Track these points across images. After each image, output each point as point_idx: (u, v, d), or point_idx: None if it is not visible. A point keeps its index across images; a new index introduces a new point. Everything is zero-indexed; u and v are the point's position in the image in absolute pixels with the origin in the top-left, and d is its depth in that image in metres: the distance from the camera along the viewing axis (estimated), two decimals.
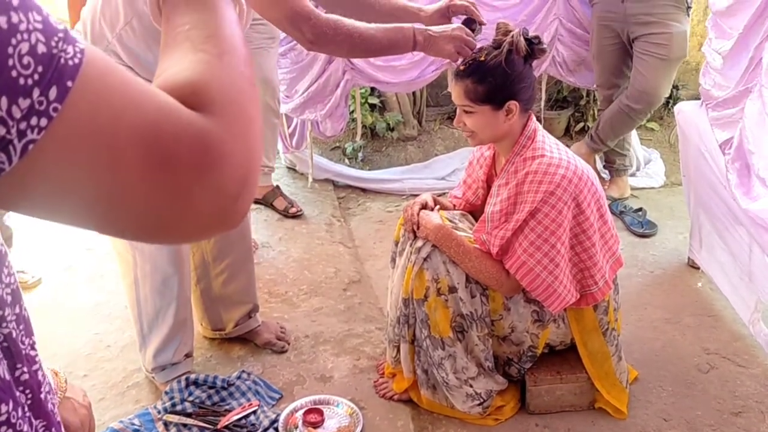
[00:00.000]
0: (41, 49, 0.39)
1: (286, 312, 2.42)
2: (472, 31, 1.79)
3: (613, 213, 3.23)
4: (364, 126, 3.87)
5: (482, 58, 1.75)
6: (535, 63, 3.34)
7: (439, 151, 3.92)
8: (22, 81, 0.38)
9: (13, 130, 0.38)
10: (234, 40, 0.52)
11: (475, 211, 2.09)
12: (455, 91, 1.81)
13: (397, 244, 2.03)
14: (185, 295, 1.99)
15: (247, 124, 0.48)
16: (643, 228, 3.06)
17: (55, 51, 0.40)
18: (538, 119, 3.95)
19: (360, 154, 3.87)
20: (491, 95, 1.77)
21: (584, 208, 1.77)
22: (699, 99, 2.44)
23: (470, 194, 2.12)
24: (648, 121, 4.00)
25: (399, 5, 1.90)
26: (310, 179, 3.50)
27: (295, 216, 3.16)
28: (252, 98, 0.50)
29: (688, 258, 2.74)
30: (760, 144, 1.92)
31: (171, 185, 0.43)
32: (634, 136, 3.61)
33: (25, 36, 0.39)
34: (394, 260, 2.04)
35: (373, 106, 3.91)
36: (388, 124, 3.86)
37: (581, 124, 4.07)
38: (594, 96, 3.86)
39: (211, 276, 2.17)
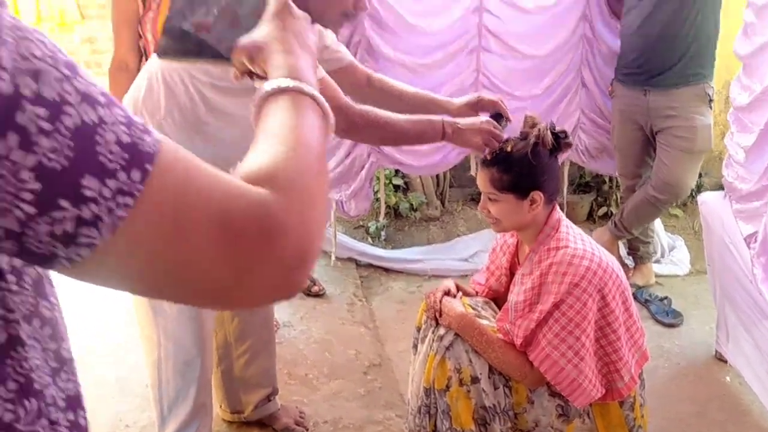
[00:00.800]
0: (125, 138, 0.47)
1: (305, 395, 2.40)
2: (499, 125, 1.84)
3: (638, 301, 3.21)
4: (387, 206, 3.92)
5: (509, 149, 1.80)
6: None
7: (462, 231, 3.95)
8: (110, 165, 0.45)
9: (104, 208, 0.45)
10: (311, 139, 0.59)
11: (498, 299, 2.09)
12: (480, 177, 1.85)
13: (419, 330, 2.02)
14: (207, 377, 1.98)
15: (309, 207, 0.54)
16: (669, 317, 3.01)
17: (136, 140, 0.47)
18: (560, 205, 4.01)
19: (383, 234, 3.91)
20: (516, 185, 1.80)
21: (609, 300, 1.76)
22: (722, 187, 2.46)
23: (493, 281, 2.12)
24: (672, 207, 4.01)
25: (428, 98, 1.96)
26: (333, 258, 3.53)
27: (317, 295, 3.17)
28: (318, 188, 0.57)
29: (716, 350, 2.68)
30: None
31: (237, 256, 0.49)
32: (657, 222, 3.61)
33: (112, 128, 0.46)
34: (415, 346, 2.03)
35: (397, 187, 3.98)
36: (411, 205, 3.91)
37: (604, 209, 4.09)
38: (617, 181, 3.89)
39: (233, 357, 2.16)
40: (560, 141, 1.83)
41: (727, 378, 2.56)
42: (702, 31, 2.76)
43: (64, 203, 0.43)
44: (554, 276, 1.76)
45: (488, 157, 1.83)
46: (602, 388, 1.80)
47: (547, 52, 3.17)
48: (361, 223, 4.01)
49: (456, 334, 1.87)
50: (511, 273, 2.03)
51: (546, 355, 1.76)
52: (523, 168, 1.79)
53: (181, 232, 0.47)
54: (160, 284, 0.50)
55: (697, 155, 2.93)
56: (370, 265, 3.63)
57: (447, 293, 2.00)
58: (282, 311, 3.00)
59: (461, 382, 1.84)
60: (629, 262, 3.43)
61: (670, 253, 3.70)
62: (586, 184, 4.18)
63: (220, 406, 2.21)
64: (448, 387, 1.85)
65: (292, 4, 0.74)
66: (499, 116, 1.89)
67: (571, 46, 3.20)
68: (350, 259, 3.64)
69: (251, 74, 0.77)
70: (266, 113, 0.62)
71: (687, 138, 2.86)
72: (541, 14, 3.12)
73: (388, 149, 3.25)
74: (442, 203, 4.13)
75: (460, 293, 2.03)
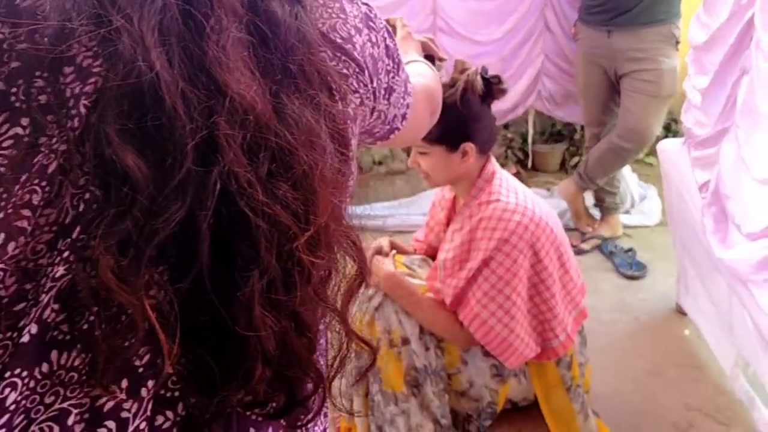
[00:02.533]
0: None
1: None
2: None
3: (602, 253, 3.11)
4: None
5: None
6: (520, 97, 3.27)
7: (427, 185, 3.82)
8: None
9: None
10: (432, 75, 1.05)
11: (436, 255, 1.98)
12: None
13: None
14: None
15: (437, 94, 1.04)
16: (632, 269, 2.92)
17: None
18: (526, 154, 3.87)
19: None
20: (445, 136, 1.67)
21: (542, 256, 1.65)
22: None
23: (432, 237, 2.02)
24: (646, 155, 3.87)
25: None
26: None
27: None
28: (437, 89, 1.05)
29: (676, 303, 2.59)
30: (736, 188, 1.79)
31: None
32: (627, 171, 3.48)
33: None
34: None
35: None
36: (374, 158, 3.78)
37: (576, 158, 3.95)
38: None
39: None
40: (492, 87, 1.69)
41: (686, 332, 2.47)
42: None
43: None
44: (483, 232, 1.65)
45: None
46: (537, 347, 1.71)
47: None
48: None
49: (385, 295, 1.77)
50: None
51: (475, 315, 1.66)
52: (452, 118, 1.65)
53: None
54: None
55: (663, 100, 2.78)
56: None
57: (379, 252, 1.90)
58: None
59: (391, 344, 1.75)
60: (596, 213, 3.31)
61: (641, 203, 3.58)
62: (558, 133, 4.04)
63: None
64: (377, 349, 1.76)
65: (410, 31, 1.23)
66: (430, 58, 1.75)
67: None
68: None
69: None
70: (413, 67, 1.00)
71: (652, 82, 2.71)
72: None
73: None
74: (407, 155, 3.99)
75: (394, 251, 1.92)
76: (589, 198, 3.32)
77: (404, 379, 1.75)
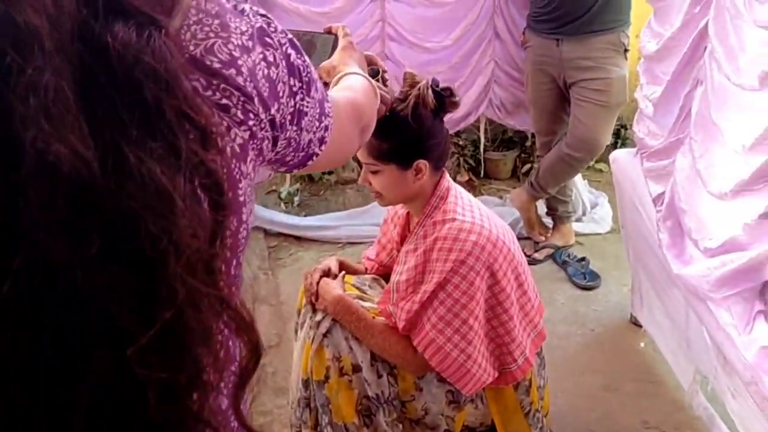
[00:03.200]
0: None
1: None
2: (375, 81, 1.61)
3: (556, 263, 3.08)
4: None
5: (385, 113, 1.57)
6: (471, 105, 3.21)
7: (380, 204, 3.73)
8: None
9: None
10: (368, 91, 1.00)
11: (390, 274, 1.89)
12: None
13: (299, 314, 1.82)
14: None
15: (368, 110, 0.98)
16: (585, 279, 2.89)
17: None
18: (478, 162, 3.83)
19: (296, 199, 3.67)
20: (397, 153, 1.58)
21: (500, 277, 1.58)
22: None
23: (384, 255, 1.93)
24: (596, 161, 3.87)
25: None
26: None
27: None
28: (369, 107, 0.99)
29: (631, 314, 2.57)
30: (691, 202, 1.76)
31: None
32: (579, 179, 3.46)
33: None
34: (296, 332, 1.83)
35: None
36: None
37: (528, 165, 3.92)
38: None
39: None
40: (444, 100, 1.61)
41: (642, 344, 2.45)
42: None
43: None
44: (439, 253, 1.56)
45: None
46: (494, 371, 1.63)
47: None
48: (273, 188, 3.76)
49: (334, 320, 1.67)
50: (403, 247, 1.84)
51: (430, 340, 1.57)
52: (404, 134, 1.57)
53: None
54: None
55: (613, 109, 2.75)
56: (281, 234, 3.40)
57: (327, 273, 1.79)
58: None
59: (341, 372, 1.65)
60: (549, 221, 3.28)
61: (592, 211, 3.57)
62: (509, 140, 4.00)
63: None
64: (327, 378, 1.66)
65: (353, 42, 1.15)
66: (373, 72, 1.66)
67: None
68: (258, 228, 3.39)
69: (325, 84, 1.03)
70: (345, 81, 1.00)
71: (602, 91, 2.68)
72: None
73: None
74: (359, 165, 3.89)
75: (343, 272, 1.82)
76: (541, 206, 3.29)
77: (356, 408, 1.66)
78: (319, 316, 1.69)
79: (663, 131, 2.03)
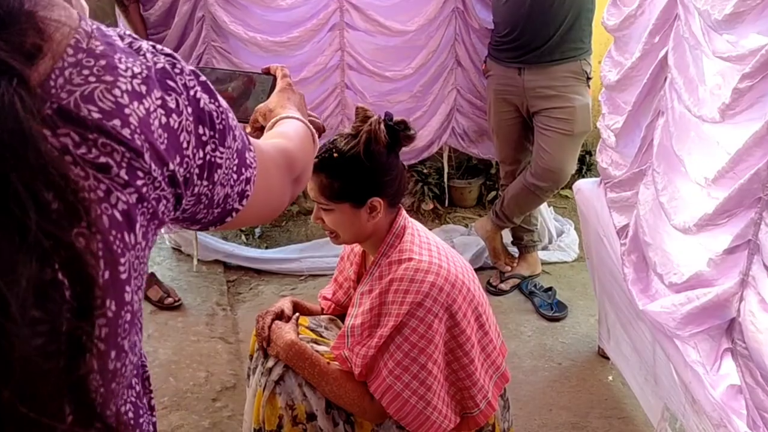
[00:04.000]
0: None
1: None
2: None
3: (522, 293, 3.02)
4: None
5: (334, 153, 1.50)
6: (434, 134, 3.16)
7: (334, 243, 3.65)
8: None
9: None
10: (304, 139, 0.93)
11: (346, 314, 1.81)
12: (309, 184, 1.55)
13: (251, 359, 1.72)
14: None
15: (302, 161, 0.89)
16: (552, 311, 2.83)
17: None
18: (443, 190, 3.77)
19: (257, 230, 3.58)
20: (349, 192, 1.51)
21: (459, 319, 1.50)
22: None
23: (341, 295, 1.84)
24: (562, 187, 3.85)
25: None
26: (195, 262, 3.17)
27: (171, 307, 2.81)
28: (304, 156, 0.90)
29: (599, 346, 2.51)
30: (656, 235, 1.71)
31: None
32: (544, 206, 3.43)
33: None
34: (249, 377, 1.73)
35: None
36: None
37: (494, 193, 3.89)
38: None
39: None
40: (399, 134, 1.54)
41: (610, 377, 2.39)
42: (577, 1, 2.53)
43: None
44: (395, 295, 1.48)
45: (315, 160, 1.53)
46: (456, 417, 1.55)
47: (417, 28, 2.88)
48: None
49: (287, 366, 1.58)
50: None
51: (387, 387, 1.49)
52: (357, 171, 1.50)
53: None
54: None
55: (578, 138, 2.72)
56: (241, 267, 3.29)
57: (280, 316, 1.70)
58: None
59: (295, 421, 1.56)
60: (514, 251, 3.22)
61: (559, 239, 3.53)
62: (474, 167, 3.97)
63: None
64: (279, 427, 1.57)
65: (292, 83, 1.08)
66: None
67: (442, 20, 2.92)
68: (217, 262, 3.28)
69: (261, 129, 1.01)
70: (280, 126, 0.94)
71: (565, 120, 2.65)
72: None
73: None
74: None
75: (297, 315, 1.73)
76: (507, 235, 3.24)
77: None
78: (271, 362, 1.59)
79: (626, 161, 1.99)
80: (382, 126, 1.49)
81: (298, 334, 1.65)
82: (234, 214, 0.68)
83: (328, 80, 2.90)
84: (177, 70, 0.56)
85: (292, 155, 0.84)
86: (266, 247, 3.46)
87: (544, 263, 3.26)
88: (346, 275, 1.82)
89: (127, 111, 0.48)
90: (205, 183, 0.60)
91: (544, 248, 3.43)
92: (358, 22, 2.82)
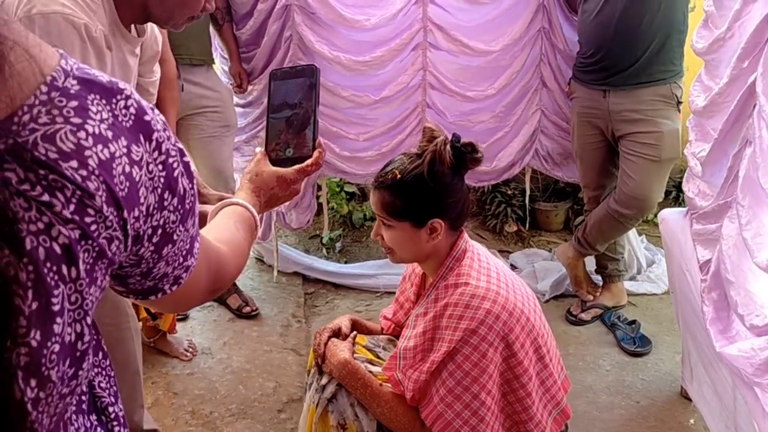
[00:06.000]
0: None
1: None
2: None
3: (604, 324, 2.89)
4: (341, 216, 3.63)
5: (397, 174, 1.49)
6: (516, 156, 3.10)
7: (391, 261, 3.64)
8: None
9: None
10: (243, 240, 0.91)
11: None
12: (372, 198, 1.55)
13: (308, 374, 1.73)
14: None
15: (232, 268, 0.85)
16: (635, 345, 2.69)
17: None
18: (526, 212, 3.68)
19: (338, 245, 3.62)
20: (410, 211, 1.50)
21: (516, 349, 1.45)
22: None
23: (401, 315, 1.82)
24: (655, 215, 3.67)
25: None
26: (275, 273, 3.25)
27: (249, 316, 2.89)
28: (238, 258, 0.88)
29: (681, 387, 2.36)
30: (738, 273, 1.59)
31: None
32: (634, 234, 3.27)
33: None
34: (306, 392, 1.74)
35: (352, 195, 3.68)
36: (365, 214, 3.62)
37: (581, 218, 3.76)
38: None
39: None
40: (465, 157, 1.52)
41: (691, 421, 2.23)
42: (667, 21, 2.40)
43: None
44: (449, 320, 1.45)
45: (380, 178, 1.53)
46: None
47: (502, 48, 2.84)
48: (317, 232, 3.73)
49: (340, 385, 1.58)
50: None
51: (438, 414, 1.46)
52: (419, 192, 1.48)
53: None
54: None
55: (665, 164, 2.58)
56: (319, 280, 3.34)
57: (337, 333, 1.71)
58: (205, 335, 2.73)
59: None
60: (598, 280, 3.09)
61: (648, 269, 3.36)
62: (562, 190, 3.85)
63: None
64: None
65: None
66: None
67: (528, 40, 2.86)
68: (297, 274, 3.35)
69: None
70: (229, 216, 0.93)
71: (652, 145, 2.52)
72: (494, 5, 2.79)
73: (328, 156, 2.96)
74: None
75: (354, 333, 1.73)
76: (591, 262, 3.11)
77: None
78: (324, 380, 1.60)
79: (713, 191, 1.87)
80: (448, 147, 1.47)
81: (354, 353, 1.65)
82: (160, 295, 0.67)
83: (409, 99, 2.91)
84: (160, 130, 0.57)
85: (224, 268, 0.81)
86: (345, 262, 3.50)
87: (630, 294, 3.10)
88: (407, 296, 1.80)
89: (87, 153, 0.49)
90: (151, 248, 0.59)
91: (632, 278, 3.28)
92: (441, 42, 2.81)
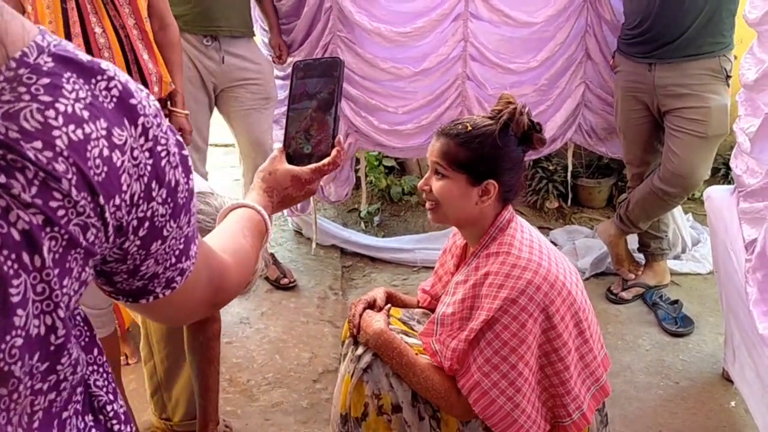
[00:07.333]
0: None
1: (240, 406, 2.16)
2: None
3: (645, 304, 2.84)
4: (380, 190, 3.63)
5: (468, 127, 1.49)
6: (558, 130, 3.04)
7: (430, 219, 3.62)
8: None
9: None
10: (250, 247, 0.85)
11: None
12: (433, 146, 1.54)
13: (343, 345, 1.75)
14: None
15: (236, 281, 0.80)
16: (676, 325, 2.64)
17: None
18: (568, 189, 3.61)
19: (376, 219, 3.63)
20: (471, 165, 1.49)
21: (556, 322, 1.44)
22: None
23: (439, 287, 1.82)
24: (702, 193, 3.58)
25: None
26: (314, 245, 3.27)
27: (287, 288, 2.92)
28: (245, 268, 0.82)
29: (723, 369, 2.31)
30: None
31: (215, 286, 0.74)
32: (679, 212, 3.19)
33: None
34: (340, 362, 1.76)
35: (390, 169, 3.66)
36: (404, 188, 3.60)
37: (625, 195, 3.68)
38: None
39: (156, 360, 1.97)
40: (533, 131, 1.51)
41: (732, 403, 2.19)
42: None
43: None
44: (489, 288, 1.45)
45: (448, 127, 1.53)
46: (546, 423, 1.49)
47: (545, 19, 2.77)
48: (355, 206, 3.74)
49: (375, 355, 1.58)
50: None
51: (475, 383, 1.45)
52: (485, 149, 1.48)
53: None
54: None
55: (712, 141, 2.49)
56: (356, 254, 3.35)
57: (371, 305, 1.71)
58: (243, 305, 2.77)
59: (380, 410, 1.56)
60: (640, 258, 3.03)
61: (694, 248, 3.28)
62: (606, 166, 3.78)
63: (153, 408, 2.03)
64: (365, 415, 1.58)
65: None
66: None
67: (572, 11, 2.79)
68: (335, 247, 3.37)
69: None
70: (236, 223, 0.87)
71: (699, 121, 2.44)
72: None
73: (366, 129, 2.95)
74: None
75: (389, 305, 1.73)
76: (633, 240, 3.05)
77: None
78: (360, 350, 1.61)
79: (762, 168, 1.81)
80: (525, 116, 1.47)
81: (389, 324, 1.65)
82: (151, 298, 0.63)
83: (449, 71, 2.87)
84: (149, 116, 0.53)
85: (228, 281, 0.76)
86: (383, 236, 3.50)
87: (674, 274, 3.04)
88: (447, 268, 1.79)
89: (55, 133, 0.46)
90: (137, 243, 0.56)
91: (676, 257, 3.20)
92: (482, 12, 2.76)
